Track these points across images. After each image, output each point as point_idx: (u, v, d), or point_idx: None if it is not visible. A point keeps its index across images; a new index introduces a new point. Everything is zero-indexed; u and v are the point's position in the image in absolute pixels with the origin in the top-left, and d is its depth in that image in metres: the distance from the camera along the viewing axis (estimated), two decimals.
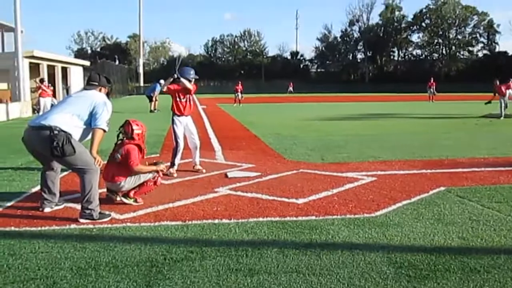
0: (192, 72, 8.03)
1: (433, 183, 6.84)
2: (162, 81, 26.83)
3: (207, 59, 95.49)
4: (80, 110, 5.14)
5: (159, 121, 17.72)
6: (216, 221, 5.03)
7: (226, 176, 7.48)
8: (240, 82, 34.42)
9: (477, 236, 4.52)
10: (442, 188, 6.48)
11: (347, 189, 6.53)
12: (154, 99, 25.78)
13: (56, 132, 4.92)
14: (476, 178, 7.22)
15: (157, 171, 5.92)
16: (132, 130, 5.88)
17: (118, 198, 5.75)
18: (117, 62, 67.44)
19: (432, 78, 39.02)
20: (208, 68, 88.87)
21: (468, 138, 13.06)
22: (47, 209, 5.41)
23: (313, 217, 5.16)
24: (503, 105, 19.98)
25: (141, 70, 74.15)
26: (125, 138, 5.89)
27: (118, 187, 5.70)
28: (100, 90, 5.51)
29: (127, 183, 5.67)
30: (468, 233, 4.61)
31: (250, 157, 9.46)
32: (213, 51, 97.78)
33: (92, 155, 5.14)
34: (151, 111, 25.05)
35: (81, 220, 5.01)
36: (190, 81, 7.83)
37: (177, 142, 7.85)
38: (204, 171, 7.83)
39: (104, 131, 5.22)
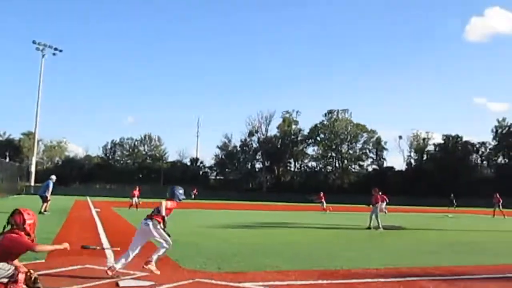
0: (182, 191, 8.49)
1: None
2: (53, 177, 25.69)
3: (105, 161, 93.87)
4: None
5: (48, 223, 16.71)
6: None
7: (117, 285, 7.04)
8: (138, 187, 33.67)
9: None
10: None
11: None
12: (47, 199, 24.34)
13: None
14: None
15: (16, 268, 5.45)
16: (24, 220, 5.48)
17: None
18: (7, 159, 64.11)
19: (322, 193, 40.35)
20: (105, 171, 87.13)
21: (361, 248, 13.44)
22: None
23: None
24: (376, 215, 20.69)
25: (33, 169, 70.74)
26: (15, 228, 5.47)
27: None
28: None
29: None
30: None
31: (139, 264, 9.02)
32: (112, 154, 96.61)
33: None
34: (40, 212, 23.49)
35: None
36: (180, 200, 8.40)
37: (168, 241, 7.93)
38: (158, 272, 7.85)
39: None
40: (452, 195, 55.47)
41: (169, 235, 7.99)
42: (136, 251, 7.88)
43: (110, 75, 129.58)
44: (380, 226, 20.28)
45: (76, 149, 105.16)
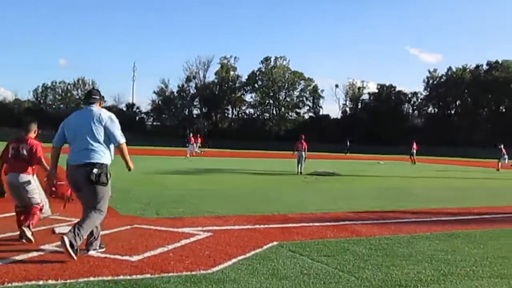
0: None
1: (266, 238, 7.03)
2: None
3: (36, 106, 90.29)
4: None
5: None
6: (41, 282, 4.58)
7: (53, 232, 6.93)
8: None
9: None
10: (275, 243, 6.68)
11: (183, 245, 6.42)
12: None
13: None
14: (306, 232, 7.59)
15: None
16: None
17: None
18: None
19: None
20: (36, 116, 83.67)
21: (297, 194, 13.81)
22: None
23: (148, 275, 4.95)
24: (301, 160, 21.70)
25: None
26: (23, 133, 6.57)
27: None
28: (100, 105, 5.95)
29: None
30: (301, 287, 4.76)
31: (80, 211, 8.87)
32: (43, 98, 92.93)
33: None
34: None
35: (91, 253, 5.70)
36: None
37: None
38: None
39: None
40: (347, 140, 57.93)
41: None
42: None
43: (39, 15, 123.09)
44: (299, 171, 21.23)
45: (4, 93, 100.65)
